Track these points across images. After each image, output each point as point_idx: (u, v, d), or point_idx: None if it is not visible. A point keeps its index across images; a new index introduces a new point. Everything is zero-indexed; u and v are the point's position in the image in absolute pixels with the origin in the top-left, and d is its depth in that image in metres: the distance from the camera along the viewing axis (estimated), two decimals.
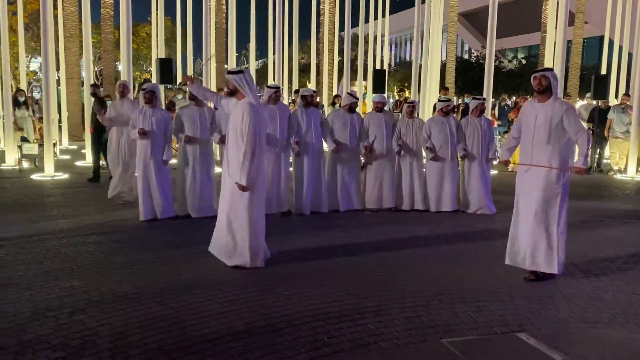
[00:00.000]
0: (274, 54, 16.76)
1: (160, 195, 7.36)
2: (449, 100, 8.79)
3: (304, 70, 22.78)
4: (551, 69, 5.22)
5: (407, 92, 22.74)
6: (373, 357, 3.57)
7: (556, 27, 14.85)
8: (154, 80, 16.33)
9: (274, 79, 16.88)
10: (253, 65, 18.93)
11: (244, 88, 5.16)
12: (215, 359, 3.46)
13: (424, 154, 8.53)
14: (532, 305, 4.57)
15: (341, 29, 20.05)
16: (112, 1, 20.61)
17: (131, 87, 8.60)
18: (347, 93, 8.63)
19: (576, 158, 5.37)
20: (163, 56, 15.93)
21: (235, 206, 5.19)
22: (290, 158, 8.09)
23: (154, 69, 16.16)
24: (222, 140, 7.17)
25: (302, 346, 3.66)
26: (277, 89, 7.97)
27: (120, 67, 20.21)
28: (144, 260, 5.63)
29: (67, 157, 14.75)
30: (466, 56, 40.45)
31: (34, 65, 36.24)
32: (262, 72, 25.01)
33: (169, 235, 6.72)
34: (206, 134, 7.51)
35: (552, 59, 15.16)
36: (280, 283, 4.96)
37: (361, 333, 3.91)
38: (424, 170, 8.47)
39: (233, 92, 5.21)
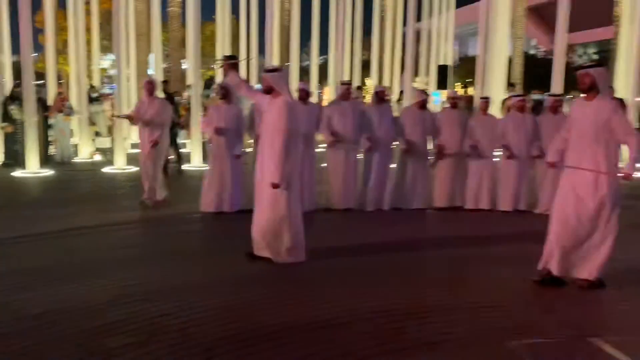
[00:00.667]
0: (335, 50, 16.79)
1: (234, 189, 7.50)
2: (524, 95, 8.54)
3: (366, 66, 22.66)
4: (597, 65, 4.82)
5: (465, 89, 22.23)
6: (439, 357, 3.52)
7: (632, 22, 14.10)
8: (218, 78, 16.72)
9: (335, 75, 16.91)
10: (315, 61, 19.01)
11: (280, 86, 5.21)
12: (281, 350, 3.51)
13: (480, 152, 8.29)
14: (601, 309, 4.38)
15: (405, 23, 19.82)
16: (180, 0, 21.24)
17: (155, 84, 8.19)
18: (419, 90, 8.52)
19: (626, 161, 4.93)
20: (228, 54, 16.30)
21: (277, 204, 5.21)
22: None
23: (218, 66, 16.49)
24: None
25: (366, 342, 3.66)
26: (349, 85, 8.03)
27: (187, 64, 20.84)
28: (212, 251, 5.79)
29: (136, 150, 15.25)
30: (532, 52, 39.10)
31: (105, 63, 37.84)
32: (323, 69, 25.05)
33: (234, 227, 6.87)
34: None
35: (625, 55, 14.41)
36: (342, 279, 4.97)
37: (427, 332, 3.86)
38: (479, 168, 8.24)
39: (269, 90, 5.24)
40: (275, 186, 5.10)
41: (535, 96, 14.83)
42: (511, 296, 4.61)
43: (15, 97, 11.57)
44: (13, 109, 11.27)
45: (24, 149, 10.93)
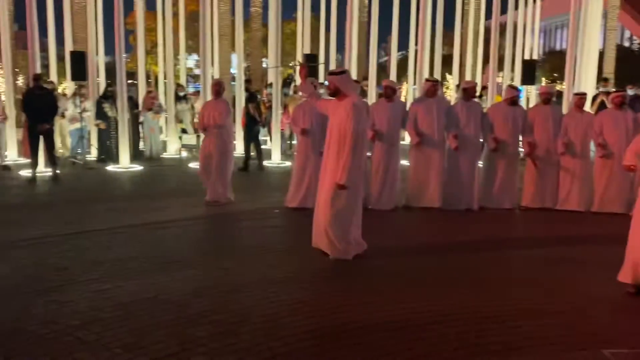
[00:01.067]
0: (415, 45, 16.54)
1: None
2: (622, 90, 8.08)
3: (446, 61, 22.17)
4: None
5: (558, 83, 21.15)
6: None
7: None
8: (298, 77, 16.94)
9: (414, 71, 16.66)
10: (394, 57, 18.80)
11: (346, 88, 5.22)
12: (361, 348, 3.51)
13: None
14: None
15: (487, 16, 19.20)
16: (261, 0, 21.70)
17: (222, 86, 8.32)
18: (508, 86, 8.25)
19: None
20: (308, 52, 16.38)
21: (337, 201, 5.22)
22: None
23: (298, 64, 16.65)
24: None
25: (448, 344, 3.58)
26: (434, 82, 7.91)
27: (267, 63, 21.28)
28: (294, 246, 5.87)
29: None
30: (627, 44, 36.72)
31: (190, 62, 39.33)
32: (402, 65, 24.72)
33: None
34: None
35: None
36: (423, 278, 4.90)
37: (513, 335, 3.73)
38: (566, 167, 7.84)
39: (335, 93, 5.26)
40: (341, 187, 5.13)
41: (631, 91, 13.88)
42: (602, 301, 4.36)
43: (108, 96, 12.27)
44: (106, 107, 11.94)
45: (117, 144, 11.60)
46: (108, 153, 12.05)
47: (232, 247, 5.86)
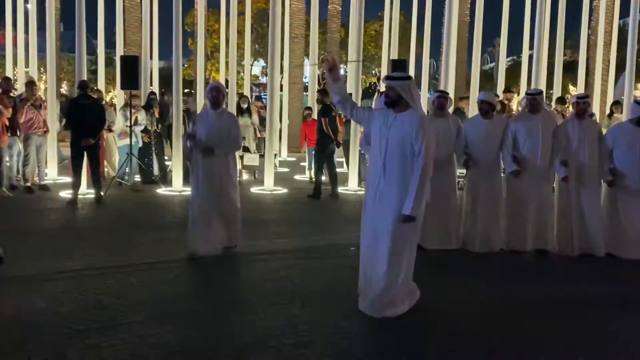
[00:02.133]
0: (530, 49, 16.20)
1: None
2: None
3: (569, 68, 21.56)
4: None
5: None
6: None
7: None
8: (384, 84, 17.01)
9: (528, 79, 16.29)
10: (502, 63, 18.52)
11: (411, 97, 5.10)
12: None
13: None
14: None
15: (623, 14, 18.54)
16: None
17: None
18: (635, 102, 7.72)
19: None
20: (395, 57, 16.45)
21: (399, 243, 5.06)
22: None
23: (384, 71, 16.78)
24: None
25: None
26: (535, 95, 7.65)
27: (346, 70, 21.49)
28: None
29: (285, 169, 16.09)
30: None
31: (255, 69, 40.41)
32: (511, 72, 24.24)
33: None
34: None
35: None
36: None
37: None
38: None
39: (395, 103, 5.11)
40: (408, 220, 4.99)
41: None
42: None
43: (150, 105, 12.80)
44: (144, 119, 12.43)
45: (157, 162, 11.99)
46: (146, 172, 12.50)
47: (299, 289, 5.87)
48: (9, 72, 16.45)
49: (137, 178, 12.57)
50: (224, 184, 7.12)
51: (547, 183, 7.60)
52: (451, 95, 13.59)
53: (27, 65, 16.33)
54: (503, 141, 7.56)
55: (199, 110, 14.21)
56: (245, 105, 15.32)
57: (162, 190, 11.71)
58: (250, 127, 15.52)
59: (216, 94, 7.06)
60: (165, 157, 13.47)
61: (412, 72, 18.05)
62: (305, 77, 26.67)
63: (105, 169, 12.90)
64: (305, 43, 21.86)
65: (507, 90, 14.79)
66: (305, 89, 24.78)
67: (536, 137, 7.42)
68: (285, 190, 12.30)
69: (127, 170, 12.22)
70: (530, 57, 15.87)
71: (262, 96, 27.80)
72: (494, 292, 5.97)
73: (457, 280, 6.39)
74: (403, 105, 5.10)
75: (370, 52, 34.05)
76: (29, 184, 11.25)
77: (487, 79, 34.86)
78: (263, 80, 40.11)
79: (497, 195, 7.66)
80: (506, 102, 13.37)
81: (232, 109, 14.75)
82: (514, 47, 19.31)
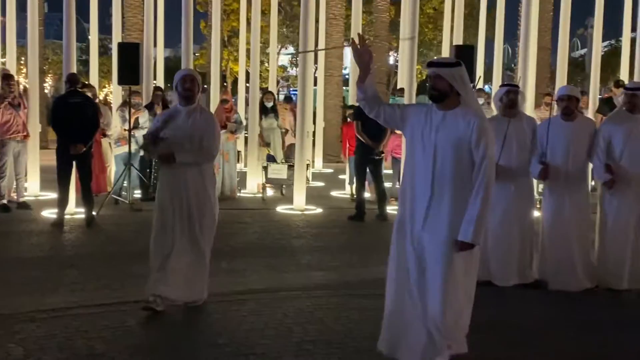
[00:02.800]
0: (632, 31, 16.00)
1: None
2: None
3: None
4: None
5: None
6: None
7: None
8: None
9: (630, 69, 16.06)
10: (597, 49, 18.27)
11: (465, 89, 4.99)
12: None
13: None
14: None
15: None
16: None
17: None
18: None
19: None
20: (460, 42, 16.38)
21: (456, 279, 4.98)
22: None
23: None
24: None
25: None
26: (635, 91, 7.57)
27: (397, 58, 21.49)
28: None
29: (320, 183, 16.12)
30: None
31: (283, 58, 40.57)
32: (608, 60, 23.90)
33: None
34: None
35: None
36: None
37: None
38: None
39: (444, 96, 4.96)
40: (467, 247, 4.91)
41: None
42: None
43: (152, 105, 12.93)
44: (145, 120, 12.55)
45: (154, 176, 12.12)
46: (145, 187, 12.65)
47: (338, 335, 5.88)
48: None
49: (137, 194, 12.73)
50: (192, 205, 6.51)
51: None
52: (531, 89, 13.57)
53: (3, 55, 16.70)
54: (594, 147, 7.52)
55: (212, 109, 14.36)
56: (270, 104, 15.41)
57: None
58: (276, 130, 15.61)
59: (190, 85, 6.54)
60: None
61: (480, 61, 17.98)
62: (345, 68, 26.76)
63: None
64: (346, 26, 21.93)
65: (618, 83, 14.53)
66: (346, 82, 24.84)
67: (635, 141, 7.39)
68: (319, 210, 12.33)
69: (124, 185, 12.35)
70: (633, 41, 15.66)
71: (292, 92, 27.93)
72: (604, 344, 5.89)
73: (539, 325, 6.34)
74: (453, 100, 4.98)
75: (428, 36, 33.95)
76: (4, 201, 11.45)
77: (578, 68, 34.51)
78: (292, 72, 40.31)
79: (584, 217, 7.59)
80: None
81: (255, 107, 14.82)
82: (612, 29, 19.07)
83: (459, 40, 16.87)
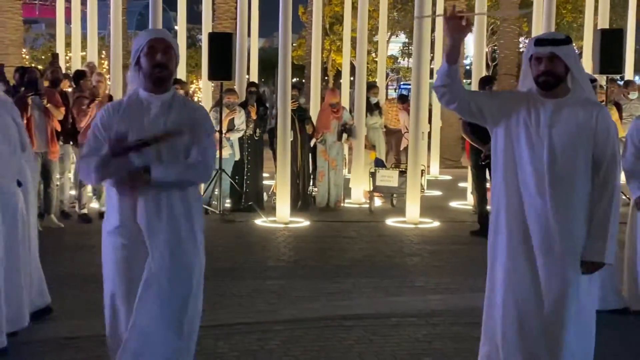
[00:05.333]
0: None
1: None
2: None
3: None
4: None
5: None
6: None
7: None
8: (587, 66, 16.58)
9: None
10: None
11: (582, 74, 4.76)
12: None
13: None
14: None
15: None
16: None
17: None
18: None
19: None
20: (606, 26, 15.94)
21: (588, 309, 4.75)
22: None
23: (588, 46, 16.36)
24: None
25: None
26: None
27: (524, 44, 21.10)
28: None
29: (436, 193, 16.03)
30: None
31: (394, 47, 40.55)
32: None
33: None
34: None
35: None
36: None
37: None
38: None
39: (559, 81, 4.66)
40: (595, 268, 4.70)
41: None
42: None
43: (245, 103, 13.08)
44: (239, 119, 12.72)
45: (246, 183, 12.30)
46: (247, 197, 12.84)
47: None
48: (61, 58, 17.36)
49: (229, 203, 12.96)
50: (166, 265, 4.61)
51: None
52: None
53: (83, 48, 17.32)
54: None
55: (315, 110, 14.46)
56: (375, 100, 15.43)
57: (262, 221, 12.01)
58: (379, 129, 15.62)
59: (165, 59, 4.61)
60: (266, 174, 13.81)
61: (629, 46, 17.51)
62: (467, 57, 26.54)
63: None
64: (468, 7, 21.76)
65: None
66: (468, 74, 24.61)
67: None
68: (436, 224, 12.28)
69: (215, 193, 12.57)
70: None
71: (402, 88, 27.78)
72: None
73: None
74: (564, 86, 4.72)
75: (567, 18, 33.32)
76: (85, 211, 11.80)
77: None
78: (404, 63, 40.24)
79: None
80: None
81: (362, 105, 14.77)
82: None
83: (604, 23, 16.46)
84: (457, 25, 4.59)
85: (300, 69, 32.02)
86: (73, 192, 12.05)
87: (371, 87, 16.21)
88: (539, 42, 4.70)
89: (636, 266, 7.30)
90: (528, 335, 4.69)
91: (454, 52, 4.66)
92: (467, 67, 24.44)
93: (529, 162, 4.63)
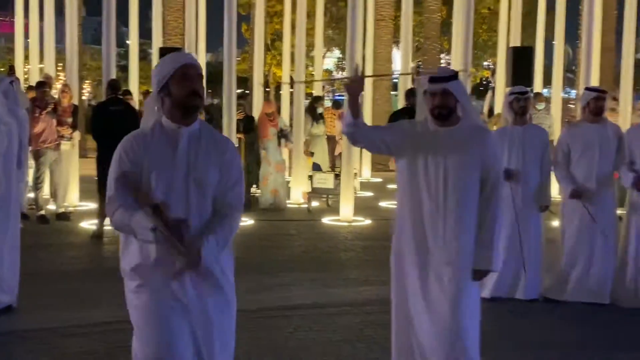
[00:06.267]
0: None
1: (532, 268, 7.52)
2: None
3: None
4: None
5: None
6: None
7: None
8: (500, 80, 16.82)
9: None
10: None
11: (469, 103, 4.97)
12: None
13: None
14: None
15: None
16: None
17: None
18: None
19: None
20: (518, 44, 16.25)
21: (469, 303, 4.82)
22: None
23: (501, 62, 16.63)
24: None
25: None
26: None
27: (448, 60, 21.43)
28: None
29: (367, 193, 16.11)
30: None
31: (329, 62, 40.70)
32: None
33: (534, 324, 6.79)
34: None
35: None
36: None
37: None
38: None
39: (451, 112, 4.80)
40: (482, 276, 4.84)
41: None
42: None
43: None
44: None
45: None
46: None
47: (390, 355, 5.87)
48: (19, 70, 17.10)
49: None
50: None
51: None
52: None
53: (41, 60, 17.00)
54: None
55: (257, 114, 14.44)
56: (320, 110, 15.52)
57: None
58: (322, 137, 15.68)
59: (199, 87, 3.89)
60: None
61: (539, 62, 17.80)
62: (395, 72, 26.71)
63: None
64: (395, 27, 21.93)
65: None
66: (395, 87, 24.82)
67: None
68: (368, 222, 12.35)
69: None
70: None
71: (336, 98, 28.00)
72: None
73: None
74: (454, 117, 4.83)
75: (482, 37, 33.76)
76: (42, 212, 11.64)
77: None
78: (338, 75, 40.39)
79: None
80: None
81: (300, 116, 14.80)
82: None
83: (516, 41, 16.75)
84: (360, 86, 4.95)
85: (245, 81, 31.97)
86: (31, 195, 11.82)
87: (318, 99, 16.35)
88: (433, 79, 4.81)
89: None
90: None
91: (356, 108, 4.82)
92: (395, 80, 24.55)
93: (426, 186, 4.74)
